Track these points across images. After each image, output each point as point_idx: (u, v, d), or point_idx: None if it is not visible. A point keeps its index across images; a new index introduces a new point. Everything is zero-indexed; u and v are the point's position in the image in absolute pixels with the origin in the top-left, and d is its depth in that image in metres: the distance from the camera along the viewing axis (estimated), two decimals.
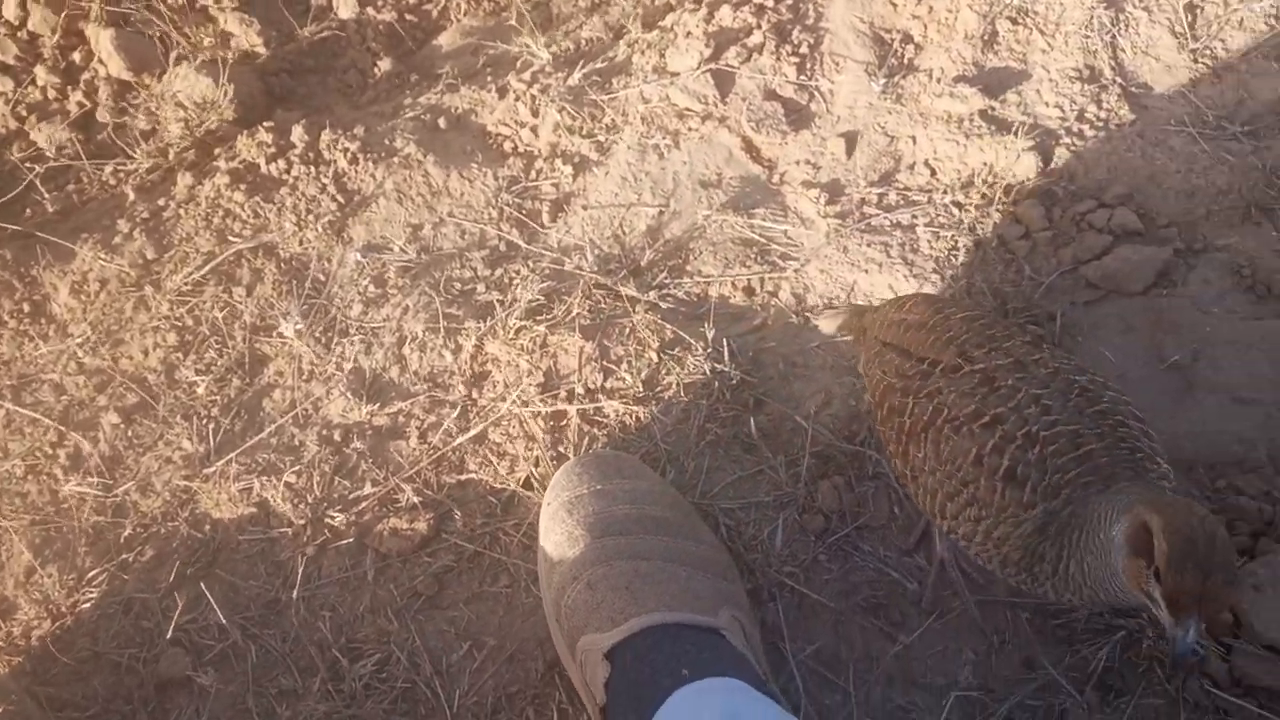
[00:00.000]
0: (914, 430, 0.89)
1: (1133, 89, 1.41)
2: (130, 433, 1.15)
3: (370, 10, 1.60)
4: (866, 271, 1.29)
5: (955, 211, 1.33)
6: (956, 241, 1.30)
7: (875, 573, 1.09)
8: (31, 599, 1.04)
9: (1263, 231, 1.26)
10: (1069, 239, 1.27)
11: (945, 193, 1.36)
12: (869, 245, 1.31)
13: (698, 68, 1.42)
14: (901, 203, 1.35)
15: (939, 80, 1.42)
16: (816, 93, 1.44)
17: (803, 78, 1.44)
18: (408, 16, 1.61)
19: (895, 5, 1.50)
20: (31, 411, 1.16)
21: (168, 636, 1.01)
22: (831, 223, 1.33)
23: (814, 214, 1.34)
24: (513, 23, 1.55)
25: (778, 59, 1.44)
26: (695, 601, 0.92)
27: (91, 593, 1.04)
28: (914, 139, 1.39)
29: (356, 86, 1.55)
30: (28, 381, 1.18)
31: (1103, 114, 1.38)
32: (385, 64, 1.55)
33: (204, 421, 1.16)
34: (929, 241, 1.31)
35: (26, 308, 1.23)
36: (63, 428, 1.15)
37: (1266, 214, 1.27)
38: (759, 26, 1.47)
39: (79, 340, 1.20)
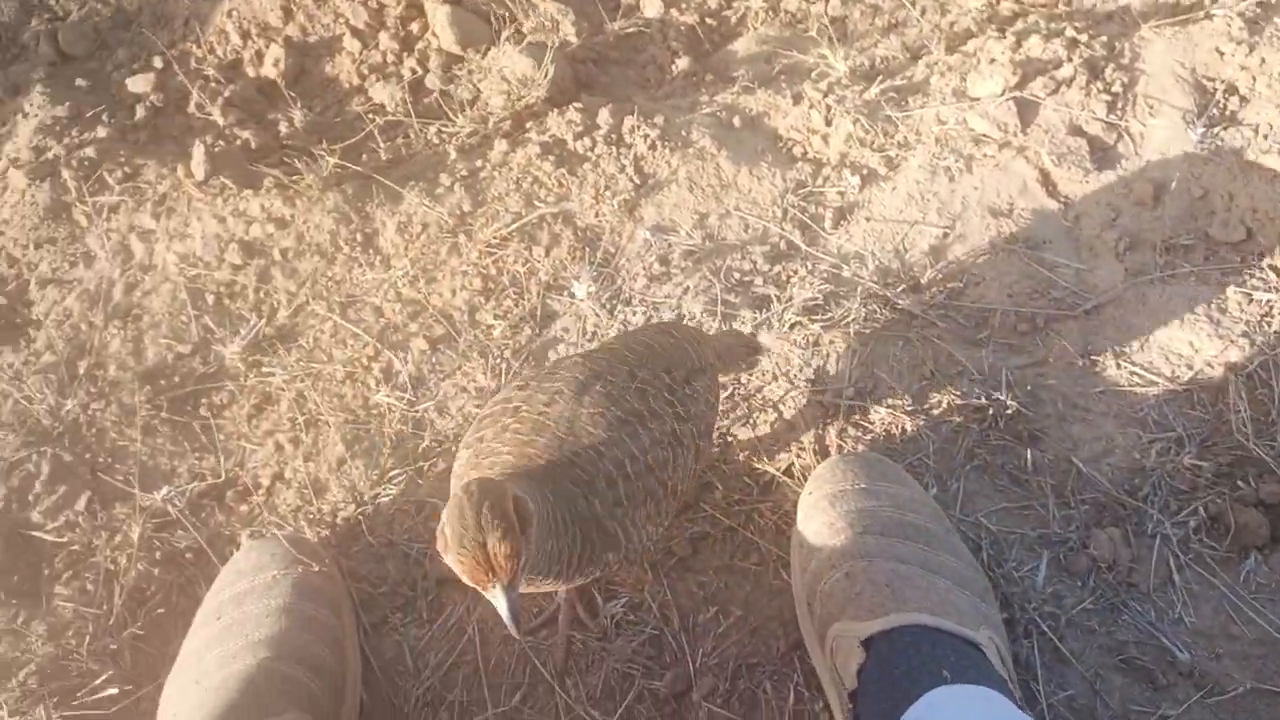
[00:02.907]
0: None
1: None
2: (434, 359, 1.27)
3: (674, 11, 1.69)
4: (1166, 325, 1.22)
5: (1273, 276, 1.25)
6: (1271, 308, 1.22)
7: (1144, 634, 1.04)
8: (340, 485, 1.17)
9: None
10: None
11: (1262, 255, 1.27)
12: (1171, 299, 1.24)
13: (1001, 95, 1.41)
14: (1210, 259, 1.28)
15: (1266, 137, 1.34)
16: (1125, 134, 1.39)
17: (1112, 116, 1.39)
18: (708, 20, 1.69)
19: (1222, 54, 1.43)
20: (354, 327, 1.30)
21: None
22: (1130, 270, 1.28)
23: (1111, 258, 1.29)
24: (811, 34, 1.60)
25: (1087, 94, 1.40)
26: (956, 613, 0.91)
27: (390, 489, 1.16)
28: (1231, 195, 1.31)
29: (654, 80, 1.64)
30: (354, 301, 1.33)
31: None
32: (683, 62, 1.64)
33: (497, 360, 1.26)
34: (1239, 304, 1.23)
35: (359, 238, 1.39)
36: (379, 345, 1.28)
37: None
38: (1070, 60, 1.43)
39: (400, 273, 1.34)
